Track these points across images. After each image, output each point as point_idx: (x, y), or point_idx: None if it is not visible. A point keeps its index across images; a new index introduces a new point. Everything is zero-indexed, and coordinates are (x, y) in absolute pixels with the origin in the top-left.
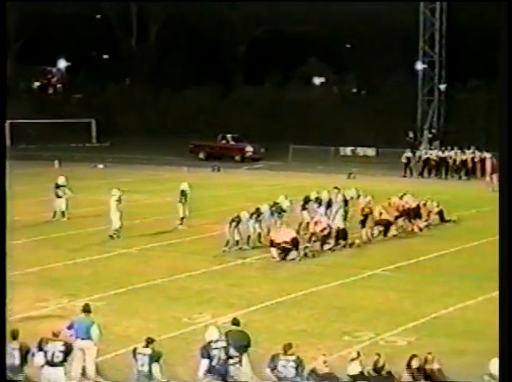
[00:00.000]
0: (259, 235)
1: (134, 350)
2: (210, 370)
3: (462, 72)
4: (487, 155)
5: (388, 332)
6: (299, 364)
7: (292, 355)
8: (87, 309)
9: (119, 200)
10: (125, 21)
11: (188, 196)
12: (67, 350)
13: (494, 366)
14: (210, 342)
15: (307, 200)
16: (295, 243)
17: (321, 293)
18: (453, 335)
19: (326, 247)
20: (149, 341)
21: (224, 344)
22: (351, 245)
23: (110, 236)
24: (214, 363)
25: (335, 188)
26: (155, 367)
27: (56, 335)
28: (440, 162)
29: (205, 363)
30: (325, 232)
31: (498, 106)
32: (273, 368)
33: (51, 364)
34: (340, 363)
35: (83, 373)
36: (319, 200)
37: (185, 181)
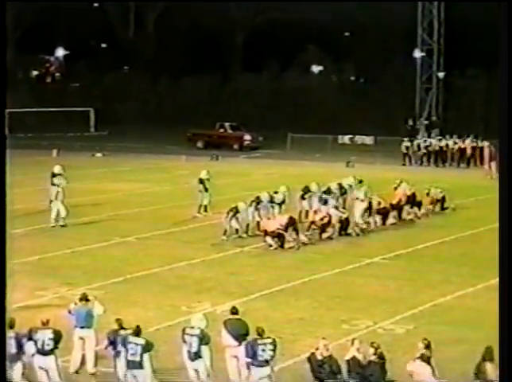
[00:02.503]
0: (258, 223)
1: (124, 339)
2: (188, 355)
3: (460, 59)
4: (486, 143)
5: (386, 320)
6: (276, 345)
7: (268, 337)
8: (84, 298)
9: (59, 186)
10: (123, 9)
11: (207, 183)
12: (57, 338)
13: None
14: (185, 328)
15: (306, 190)
16: (291, 223)
17: (320, 281)
18: (451, 323)
19: (325, 235)
20: (139, 331)
21: (197, 332)
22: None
23: (62, 226)
24: (187, 348)
25: (341, 187)
26: (146, 357)
27: (45, 324)
28: (439, 151)
29: (183, 347)
30: (324, 221)
31: (498, 95)
32: (253, 355)
33: (42, 352)
34: (338, 351)
35: (83, 361)
36: (320, 191)
37: (204, 169)
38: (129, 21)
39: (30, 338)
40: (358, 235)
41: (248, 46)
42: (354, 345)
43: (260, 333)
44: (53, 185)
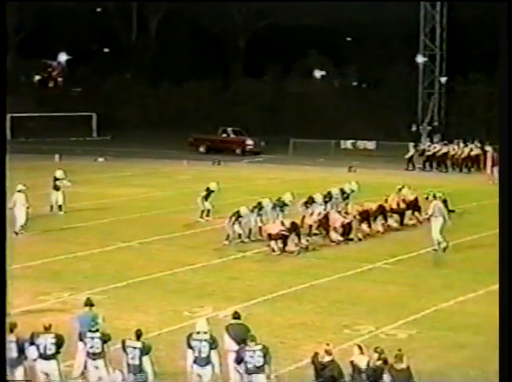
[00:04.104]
0: (260, 228)
1: (123, 343)
2: (195, 360)
3: (462, 65)
4: (488, 148)
5: (388, 325)
6: (266, 352)
7: (257, 344)
8: (89, 303)
9: (24, 193)
10: (125, 14)
11: (212, 195)
12: (59, 342)
13: None
14: (192, 333)
15: (310, 201)
16: (293, 228)
17: (321, 286)
18: (453, 328)
19: (327, 240)
20: (139, 334)
21: (206, 337)
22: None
23: (15, 233)
24: (196, 354)
25: (343, 192)
26: (145, 360)
27: (47, 328)
28: (441, 155)
29: (189, 353)
30: (321, 222)
31: (498, 100)
32: (240, 361)
33: (44, 357)
34: (340, 356)
35: (86, 366)
36: (325, 199)
37: (214, 181)
38: (132, 26)
39: (32, 343)
40: (360, 240)
41: (250, 51)
42: (355, 351)
43: (252, 339)
44: (55, 189)
